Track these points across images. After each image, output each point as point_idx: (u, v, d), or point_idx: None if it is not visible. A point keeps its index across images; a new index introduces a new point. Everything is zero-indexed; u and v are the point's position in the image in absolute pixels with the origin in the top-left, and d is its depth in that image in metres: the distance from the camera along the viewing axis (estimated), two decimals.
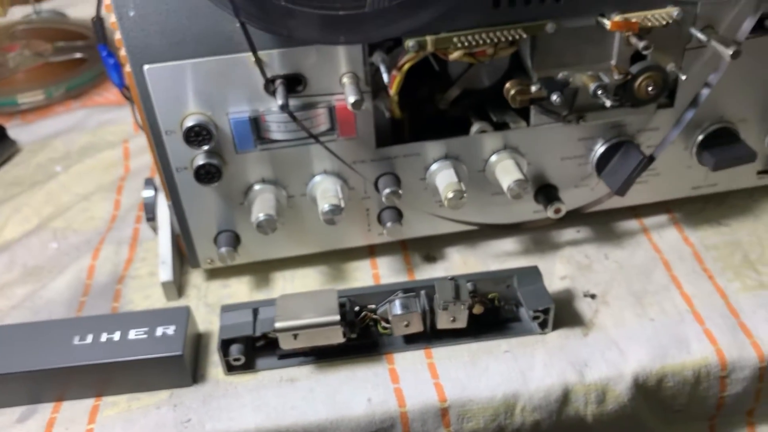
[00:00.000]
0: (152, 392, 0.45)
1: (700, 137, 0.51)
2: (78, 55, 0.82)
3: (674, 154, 0.52)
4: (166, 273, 0.51)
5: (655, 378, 0.45)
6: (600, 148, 0.50)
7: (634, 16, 0.43)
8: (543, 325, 0.47)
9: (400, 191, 0.48)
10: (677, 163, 0.53)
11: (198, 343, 0.48)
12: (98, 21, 0.61)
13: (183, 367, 0.45)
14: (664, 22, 0.44)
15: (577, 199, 0.53)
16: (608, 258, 0.53)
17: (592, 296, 0.50)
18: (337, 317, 0.44)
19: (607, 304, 0.49)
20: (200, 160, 0.45)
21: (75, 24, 0.88)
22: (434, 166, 0.49)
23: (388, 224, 0.50)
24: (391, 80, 0.45)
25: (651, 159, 0.49)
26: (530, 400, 0.44)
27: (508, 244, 0.54)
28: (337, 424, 0.43)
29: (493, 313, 0.48)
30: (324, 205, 0.47)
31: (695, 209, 0.56)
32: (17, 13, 0.96)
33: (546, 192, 0.51)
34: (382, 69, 0.43)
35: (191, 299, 0.52)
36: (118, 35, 0.42)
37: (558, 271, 0.52)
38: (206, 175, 0.46)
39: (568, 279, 0.51)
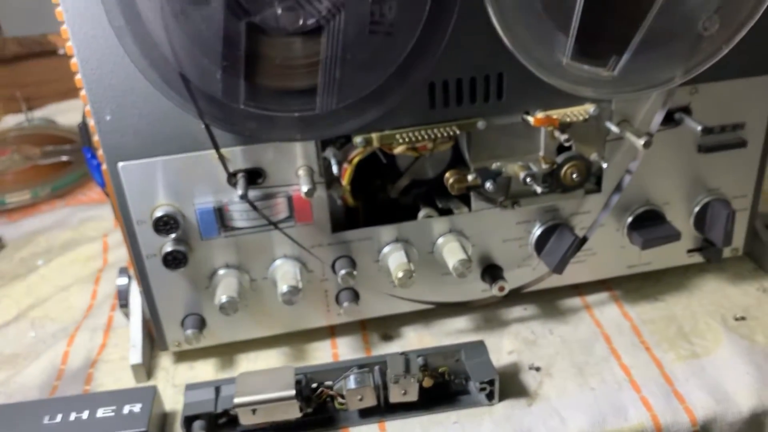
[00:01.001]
0: None
1: (630, 219, 0.56)
2: (64, 158, 0.87)
3: (608, 235, 0.57)
4: (135, 356, 0.54)
5: None
6: (537, 231, 0.55)
7: (555, 113, 0.49)
8: (490, 397, 0.50)
9: (355, 272, 0.52)
10: (611, 243, 0.57)
11: (164, 422, 0.51)
12: (84, 126, 0.67)
13: None
14: (582, 118, 0.50)
15: (520, 278, 0.57)
16: (553, 333, 0.56)
17: (537, 369, 0.53)
18: (293, 392, 0.47)
19: (551, 376, 0.52)
20: (168, 247, 0.49)
21: (63, 130, 0.95)
22: (386, 249, 0.53)
23: (345, 304, 0.54)
24: (343, 172, 0.50)
25: (583, 240, 0.54)
26: None
27: (461, 322, 0.58)
28: None
29: (443, 386, 0.51)
30: (283, 287, 0.50)
31: (634, 287, 0.60)
32: (10, 121, 1.03)
33: (491, 272, 0.56)
34: (333, 162, 0.48)
35: (159, 381, 0.54)
36: (96, 137, 0.47)
37: (506, 347, 0.55)
38: (173, 260, 0.50)
39: (515, 353, 0.54)
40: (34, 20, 0.67)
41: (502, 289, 0.55)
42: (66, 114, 1.01)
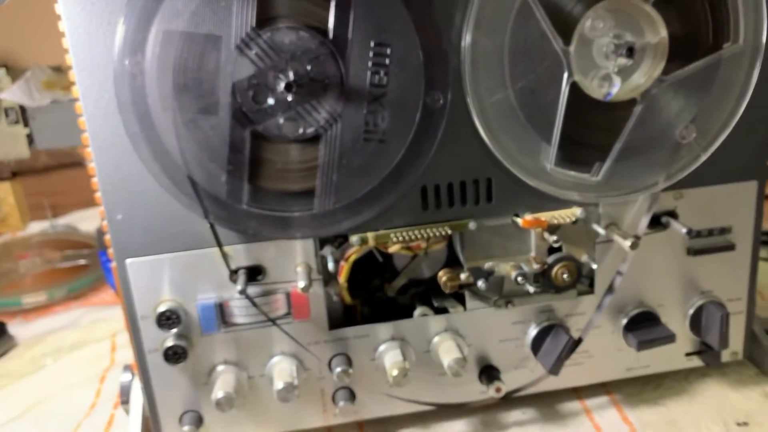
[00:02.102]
0: None
1: (624, 321, 0.57)
2: (82, 262, 0.91)
3: (604, 337, 0.57)
4: None
5: None
6: (533, 331, 0.56)
7: (543, 216, 0.51)
8: None
9: (351, 370, 0.53)
10: (608, 345, 0.57)
11: None
12: (100, 231, 0.71)
13: None
14: (569, 221, 0.52)
15: (518, 379, 0.57)
16: None
17: None
18: None
19: None
20: (169, 342, 0.51)
21: (83, 236, 0.99)
22: (383, 347, 0.54)
23: (341, 404, 0.54)
24: (340, 270, 0.52)
25: (578, 341, 0.54)
26: None
27: (459, 425, 0.58)
28: None
29: None
30: (278, 384, 0.51)
31: (634, 391, 0.60)
32: (35, 227, 1.08)
33: (488, 372, 0.56)
34: (329, 260, 0.51)
35: None
36: (108, 235, 0.50)
37: None
38: (174, 355, 0.51)
39: None
40: (64, 134, 0.72)
41: (498, 390, 0.55)
42: (88, 221, 1.06)
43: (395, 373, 0.52)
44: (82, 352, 0.73)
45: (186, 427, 0.53)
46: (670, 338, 0.55)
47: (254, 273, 0.51)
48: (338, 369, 0.53)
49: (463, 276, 0.52)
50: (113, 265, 0.51)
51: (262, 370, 0.54)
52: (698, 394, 0.59)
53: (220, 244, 0.49)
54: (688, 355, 0.59)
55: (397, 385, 0.52)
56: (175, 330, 0.51)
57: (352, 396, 0.55)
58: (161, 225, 0.49)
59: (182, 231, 0.50)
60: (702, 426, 0.55)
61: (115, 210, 0.49)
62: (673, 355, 0.59)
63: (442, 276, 0.52)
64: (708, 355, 0.59)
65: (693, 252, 0.56)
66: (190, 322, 0.51)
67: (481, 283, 0.52)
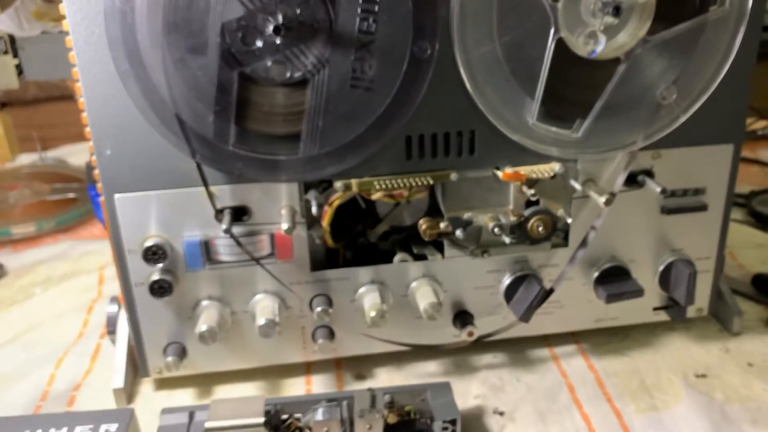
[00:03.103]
0: None
1: (596, 274, 0.59)
2: (71, 195, 0.92)
3: (575, 288, 0.59)
4: (118, 380, 0.57)
5: None
6: (507, 280, 0.58)
7: (523, 170, 0.53)
8: None
9: (330, 310, 0.55)
10: (579, 296, 0.60)
11: None
12: (89, 166, 0.72)
13: None
14: (548, 175, 0.53)
15: (491, 325, 0.59)
16: (519, 381, 0.58)
17: (501, 413, 0.55)
18: (261, 419, 0.49)
19: (514, 421, 0.54)
20: (155, 276, 0.53)
21: (72, 169, 0.99)
22: (362, 290, 0.56)
23: (320, 341, 0.56)
24: (323, 214, 0.53)
25: (549, 291, 0.57)
26: None
27: (432, 366, 0.60)
28: None
29: (408, 425, 0.52)
30: (260, 320, 0.53)
31: (601, 341, 0.62)
32: (25, 159, 1.08)
33: (462, 317, 0.58)
34: (313, 204, 0.52)
35: (139, 406, 0.57)
36: (97, 170, 0.51)
37: (473, 391, 0.57)
38: (159, 289, 0.53)
39: (481, 398, 0.56)
40: (54, 65, 0.72)
41: (471, 334, 0.57)
42: (77, 155, 1.07)
43: (373, 314, 0.54)
44: (71, 283, 0.75)
45: (170, 358, 0.55)
46: (638, 293, 0.58)
47: (239, 213, 0.53)
48: (319, 308, 0.55)
49: (442, 225, 0.54)
50: (102, 199, 0.52)
51: (245, 306, 0.56)
52: (662, 347, 0.62)
53: (206, 184, 0.50)
54: (655, 309, 0.62)
55: (374, 325, 0.54)
56: (161, 265, 0.52)
57: (331, 334, 0.57)
58: (149, 162, 0.50)
59: (170, 169, 0.51)
60: (663, 376, 0.58)
61: (104, 145, 0.50)
62: (641, 309, 0.61)
63: (422, 224, 0.54)
64: (674, 310, 0.61)
65: (666, 211, 0.57)
66: (176, 257, 0.53)
67: (459, 233, 0.53)
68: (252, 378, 0.59)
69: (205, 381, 0.59)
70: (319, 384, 0.59)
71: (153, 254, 0.52)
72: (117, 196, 0.51)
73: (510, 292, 0.58)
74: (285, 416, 0.52)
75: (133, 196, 0.51)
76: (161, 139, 0.48)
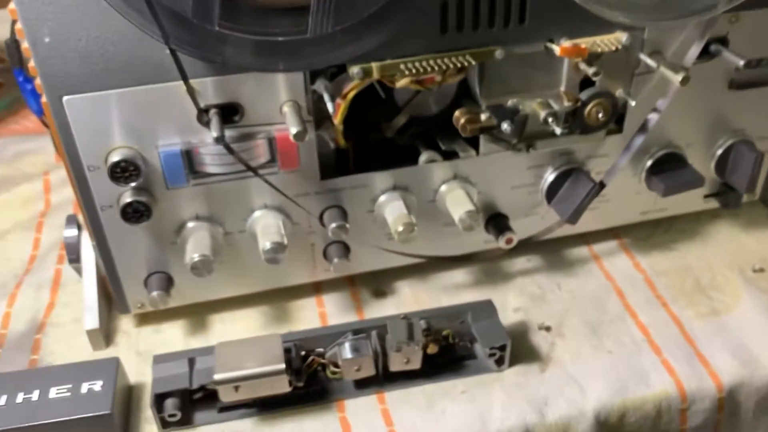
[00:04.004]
0: None
1: (649, 163, 0.50)
2: None
3: (623, 180, 0.51)
4: (91, 320, 0.47)
5: (617, 414, 0.43)
6: (550, 176, 0.49)
7: (583, 42, 0.42)
8: (499, 362, 0.45)
9: (348, 225, 0.45)
10: (627, 189, 0.52)
11: (129, 397, 0.44)
12: (12, 44, 0.57)
13: (112, 427, 0.40)
14: (613, 48, 0.43)
15: (527, 228, 0.51)
16: (561, 288, 0.51)
17: (547, 329, 0.48)
18: (282, 365, 0.41)
19: (563, 337, 0.47)
20: (127, 198, 0.41)
21: None
22: (382, 198, 0.47)
23: (335, 260, 0.47)
24: (336, 109, 0.42)
25: (602, 186, 0.48)
26: None
27: (459, 275, 0.52)
28: None
29: (447, 351, 0.45)
30: (265, 243, 0.43)
31: (644, 235, 0.55)
32: None
33: (496, 222, 0.50)
34: (326, 98, 0.41)
35: (121, 348, 0.47)
36: (32, 62, 0.38)
37: (511, 303, 0.50)
38: (134, 213, 0.42)
39: (522, 311, 0.49)
40: None
41: (509, 241, 0.49)
42: None
43: (400, 228, 0.45)
44: (10, 194, 0.62)
45: (155, 293, 0.45)
46: (699, 182, 0.50)
47: (229, 113, 0.41)
48: (334, 225, 0.45)
49: (483, 117, 0.44)
50: (44, 101, 0.39)
51: (242, 225, 0.46)
52: (710, 238, 0.55)
53: (185, 77, 0.38)
54: (706, 197, 0.54)
55: (403, 241, 0.45)
56: (133, 184, 0.41)
57: (346, 250, 0.48)
58: (105, 51, 0.37)
59: (133, 59, 0.38)
60: (717, 272, 0.52)
61: (40, 29, 0.36)
62: (691, 197, 0.53)
63: (460, 117, 0.44)
64: (727, 197, 0.54)
65: (736, 86, 0.49)
66: (151, 173, 0.42)
67: (506, 126, 0.43)
68: (252, 303, 0.50)
69: (197, 310, 0.49)
70: (333, 305, 0.50)
71: (122, 171, 0.40)
72: (66, 98, 0.38)
73: (553, 190, 0.49)
74: (303, 353, 0.44)
75: (87, 98, 0.39)
76: (121, 20, 0.35)
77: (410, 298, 0.51)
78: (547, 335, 0.48)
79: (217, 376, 0.40)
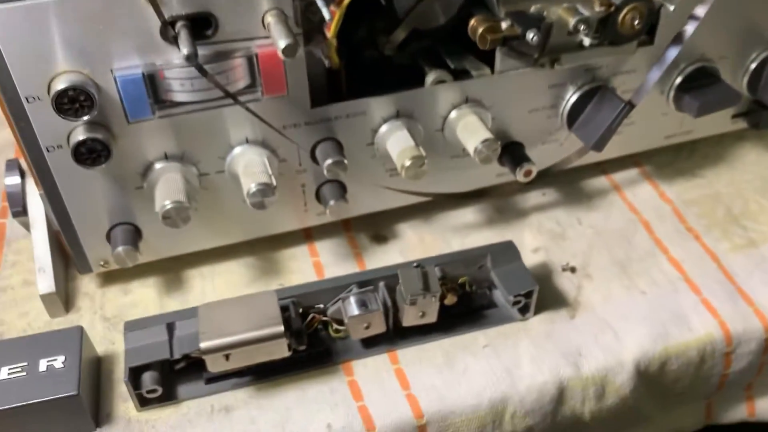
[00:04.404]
0: None
1: (678, 80, 0.45)
2: None
3: (650, 100, 0.45)
4: (45, 282, 0.40)
5: (658, 362, 0.39)
6: (572, 97, 0.43)
7: None
8: (524, 310, 0.40)
9: (346, 161, 0.39)
10: (653, 109, 0.46)
11: (98, 372, 0.37)
12: None
13: (80, 409, 0.34)
14: None
15: (544, 158, 0.45)
16: (582, 223, 0.46)
17: (572, 269, 0.43)
18: (280, 327, 0.34)
19: (590, 278, 0.42)
20: (79, 135, 0.34)
21: None
22: (384, 128, 0.40)
23: (332, 202, 0.41)
24: (331, 17, 0.35)
25: (631, 106, 0.42)
26: (521, 403, 0.37)
27: (467, 215, 0.46)
28: None
29: (464, 300, 0.40)
30: (250, 186, 0.36)
31: (665, 161, 0.50)
32: None
33: (512, 151, 0.43)
34: (320, 3, 0.33)
35: (83, 314, 0.41)
36: None
37: (529, 243, 0.44)
38: (89, 154, 0.34)
39: (542, 251, 0.44)
40: None
41: (528, 173, 0.43)
42: None
43: (408, 162, 0.38)
44: None
45: (120, 248, 0.38)
46: (735, 99, 0.45)
47: (199, 26, 0.33)
48: (329, 161, 0.38)
49: (504, 25, 0.37)
50: None
51: (220, 165, 0.39)
52: (737, 162, 0.50)
53: None
54: (734, 117, 0.49)
55: (412, 178, 0.39)
56: (86, 117, 0.33)
57: (343, 191, 0.41)
58: None
59: None
60: (749, 199, 0.47)
61: None
62: (718, 118, 0.48)
63: (478, 26, 0.37)
64: (757, 115, 0.49)
65: None
66: (107, 104, 0.34)
67: (532, 36, 0.36)
68: (235, 255, 0.44)
69: (171, 266, 0.43)
70: (328, 254, 0.44)
71: (70, 102, 0.33)
72: None
73: (575, 113, 0.43)
74: (301, 310, 0.38)
75: (20, 9, 0.30)
76: None
77: (415, 242, 0.45)
78: (572, 277, 0.42)
79: (203, 344, 0.34)
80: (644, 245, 0.44)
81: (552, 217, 0.46)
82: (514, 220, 0.46)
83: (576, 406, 0.38)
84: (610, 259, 0.43)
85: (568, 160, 0.45)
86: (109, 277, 0.42)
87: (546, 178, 0.47)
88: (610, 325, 0.39)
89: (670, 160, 0.50)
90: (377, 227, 0.45)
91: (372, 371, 0.37)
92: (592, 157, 0.46)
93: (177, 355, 0.35)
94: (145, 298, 0.41)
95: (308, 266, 0.43)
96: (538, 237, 0.45)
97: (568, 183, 0.48)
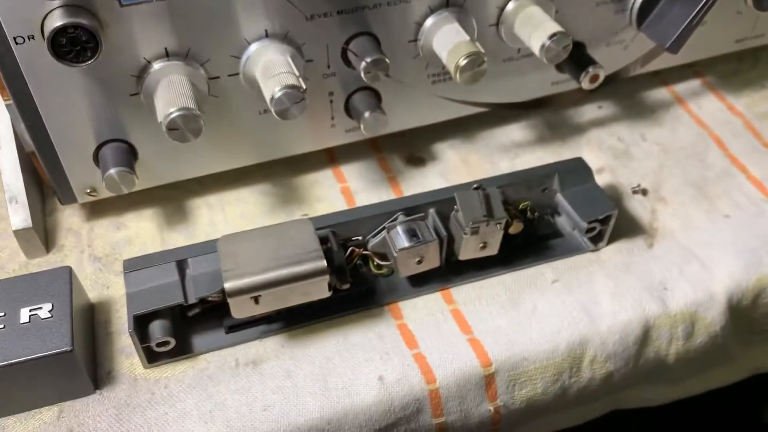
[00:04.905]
0: (30, 412, 0.28)
1: None
2: None
3: None
4: (19, 216, 0.32)
5: (752, 295, 0.33)
6: None
7: None
8: (596, 239, 0.34)
9: (386, 59, 0.32)
10: (727, 6, 0.40)
11: (92, 322, 0.31)
12: None
13: (75, 368, 0.27)
14: None
15: (605, 64, 0.39)
16: (647, 139, 0.40)
17: (643, 192, 0.37)
18: (323, 263, 0.28)
19: (664, 201, 0.37)
20: (57, 20, 0.26)
21: None
22: (430, 21, 0.33)
23: (366, 114, 0.34)
24: None
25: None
26: (603, 346, 0.31)
27: (515, 131, 0.40)
28: (338, 423, 0.28)
29: (525, 229, 0.34)
30: (274, 90, 0.29)
31: (729, 71, 0.44)
32: None
33: (573, 54, 0.37)
34: None
35: (68, 253, 0.34)
36: None
37: (590, 162, 0.38)
38: (71, 47, 0.27)
39: (607, 172, 0.38)
40: None
41: (595, 78, 0.36)
42: None
43: (463, 61, 0.31)
44: None
45: (113, 170, 0.31)
46: None
47: None
48: (368, 59, 0.31)
49: None
50: None
51: (233, 66, 0.31)
52: None
53: None
54: None
55: (468, 81, 0.32)
56: None
57: (377, 100, 0.35)
58: None
59: None
60: None
61: None
62: None
63: None
64: None
65: None
66: None
67: None
68: (247, 180, 0.37)
69: (173, 194, 0.36)
70: (358, 179, 0.37)
71: None
72: None
73: (646, 9, 0.37)
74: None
75: None
76: None
77: (457, 164, 0.38)
78: (644, 200, 0.37)
79: (228, 285, 0.27)
80: (719, 164, 0.39)
81: (612, 133, 0.40)
82: (570, 136, 0.40)
83: (661, 347, 0.32)
84: (684, 179, 0.38)
85: (632, 67, 0.39)
86: (98, 209, 0.35)
87: (602, 89, 0.40)
88: (694, 254, 0.34)
89: (733, 71, 0.44)
90: (412, 148, 0.39)
91: (424, 313, 0.31)
92: (651, 65, 0.40)
93: (192, 300, 0.29)
94: (142, 233, 0.34)
95: (336, 193, 0.36)
96: (600, 155, 0.39)
97: (625, 95, 0.42)
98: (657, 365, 0.33)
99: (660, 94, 0.43)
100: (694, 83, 0.43)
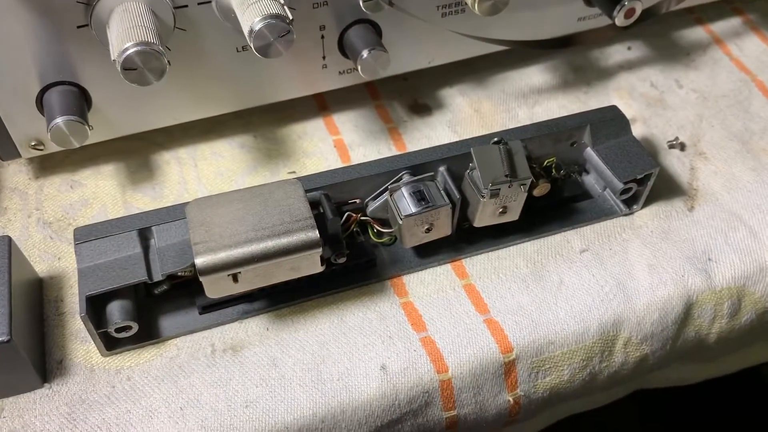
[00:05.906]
0: None
1: None
2: None
3: None
4: None
5: None
6: None
7: None
8: (630, 202, 0.29)
9: None
10: None
11: (40, 301, 0.26)
12: None
13: (17, 359, 0.23)
14: None
15: None
16: (682, 86, 0.35)
17: (681, 146, 0.32)
18: (315, 233, 0.23)
19: (705, 157, 0.32)
20: None
21: None
22: None
23: (365, 53, 0.28)
24: None
25: None
26: (639, 326, 0.27)
27: (534, 74, 0.35)
28: (334, 421, 0.24)
29: (551, 190, 0.29)
30: (255, 20, 0.24)
31: None
32: None
33: None
34: None
35: (12, 217, 0.28)
36: None
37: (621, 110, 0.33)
38: None
39: (639, 123, 0.33)
40: None
41: (631, 13, 0.31)
42: None
43: None
44: None
45: (60, 120, 0.25)
46: None
47: None
48: None
49: None
50: None
51: None
52: None
53: None
54: None
55: (488, 12, 0.27)
56: None
57: (378, 36, 0.29)
58: None
59: None
60: None
61: None
62: None
63: None
64: None
65: None
66: None
67: None
68: (224, 132, 0.31)
69: (136, 146, 0.31)
70: (353, 130, 0.32)
71: None
72: None
73: None
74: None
75: None
76: None
77: (468, 113, 0.33)
78: (681, 156, 0.32)
79: (200, 260, 0.22)
80: (765, 114, 0.34)
81: (644, 78, 0.35)
82: (597, 81, 0.35)
83: (702, 327, 0.28)
84: (726, 132, 0.33)
85: (665, 3, 0.34)
86: (48, 165, 0.30)
87: (631, 27, 0.35)
88: (741, 219, 0.29)
89: None
90: (415, 93, 0.34)
91: (433, 289, 0.27)
92: (686, 1, 0.35)
93: (157, 277, 0.24)
94: (100, 193, 0.29)
95: (328, 147, 0.31)
96: (631, 102, 0.34)
97: (657, 35, 0.37)
98: (695, 346, 0.29)
99: (696, 33, 0.37)
100: (734, 21, 0.38)
